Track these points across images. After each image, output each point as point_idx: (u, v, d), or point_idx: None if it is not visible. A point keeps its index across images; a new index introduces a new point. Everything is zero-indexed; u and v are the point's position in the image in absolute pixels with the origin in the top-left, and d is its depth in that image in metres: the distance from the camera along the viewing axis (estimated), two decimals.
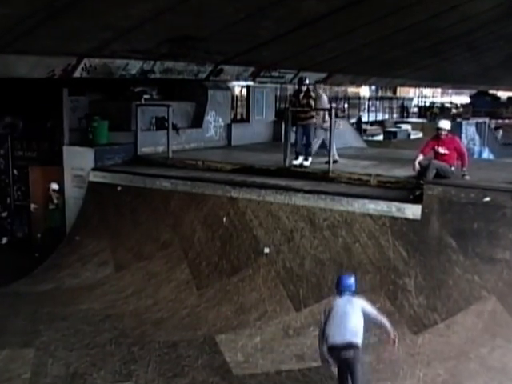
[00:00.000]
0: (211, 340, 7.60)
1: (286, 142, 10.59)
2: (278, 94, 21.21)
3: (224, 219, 9.46)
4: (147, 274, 9.34)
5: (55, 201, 11.26)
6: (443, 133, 8.81)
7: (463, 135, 15.03)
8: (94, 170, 11.13)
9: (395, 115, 39.11)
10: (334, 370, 6.16)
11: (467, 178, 8.76)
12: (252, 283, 8.60)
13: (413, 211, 8.26)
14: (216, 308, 8.36)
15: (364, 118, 35.00)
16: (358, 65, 16.29)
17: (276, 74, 15.13)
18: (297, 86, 11.02)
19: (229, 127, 14.85)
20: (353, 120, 29.55)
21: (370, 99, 42.12)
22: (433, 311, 7.53)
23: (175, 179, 10.34)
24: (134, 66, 11.29)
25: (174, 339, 7.65)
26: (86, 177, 11.13)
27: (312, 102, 10.46)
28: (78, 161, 11.22)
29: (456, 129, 11.72)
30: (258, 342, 7.53)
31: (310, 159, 10.51)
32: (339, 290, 6.17)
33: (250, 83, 15.84)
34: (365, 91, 43.54)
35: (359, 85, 28.77)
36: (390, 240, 8.23)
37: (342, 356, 5.86)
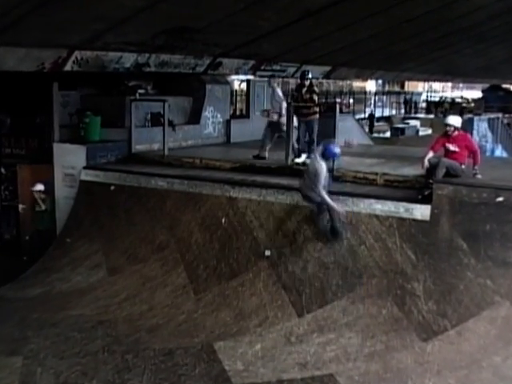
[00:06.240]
0: (209, 347, 7.59)
1: (288, 138, 10.59)
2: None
3: (223, 220, 9.47)
4: (142, 277, 9.34)
5: (40, 203, 11.16)
6: (451, 129, 8.78)
7: (475, 132, 15.02)
8: (85, 168, 11.11)
9: (403, 110, 39.16)
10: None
11: (479, 176, 8.75)
12: (252, 288, 8.61)
13: (421, 212, 8.25)
14: (214, 314, 8.37)
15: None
16: (364, 58, 16.28)
17: (277, 67, 15.12)
18: (299, 80, 11.00)
19: (228, 123, 14.86)
20: (359, 116, 29.56)
21: (376, 94, 42.16)
22: (443, 317, 7.52)
23: (171, 178, 10.34)
24: (128, 59, 11.26)
25: (169, 346, 7.64)
26: (77, 176, 11.10)
27: (315, 97, 10.45)
28: (69, 159, 11.21)
29: (467, 125, 11.68)
30: (258, 350, 7.53)
31: None
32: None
33: (250, 77, 15.84)
34: (371, 86, 43.56)
35: (365, 79, 28.79)
36: (397, 242, 8.23)
37: None
